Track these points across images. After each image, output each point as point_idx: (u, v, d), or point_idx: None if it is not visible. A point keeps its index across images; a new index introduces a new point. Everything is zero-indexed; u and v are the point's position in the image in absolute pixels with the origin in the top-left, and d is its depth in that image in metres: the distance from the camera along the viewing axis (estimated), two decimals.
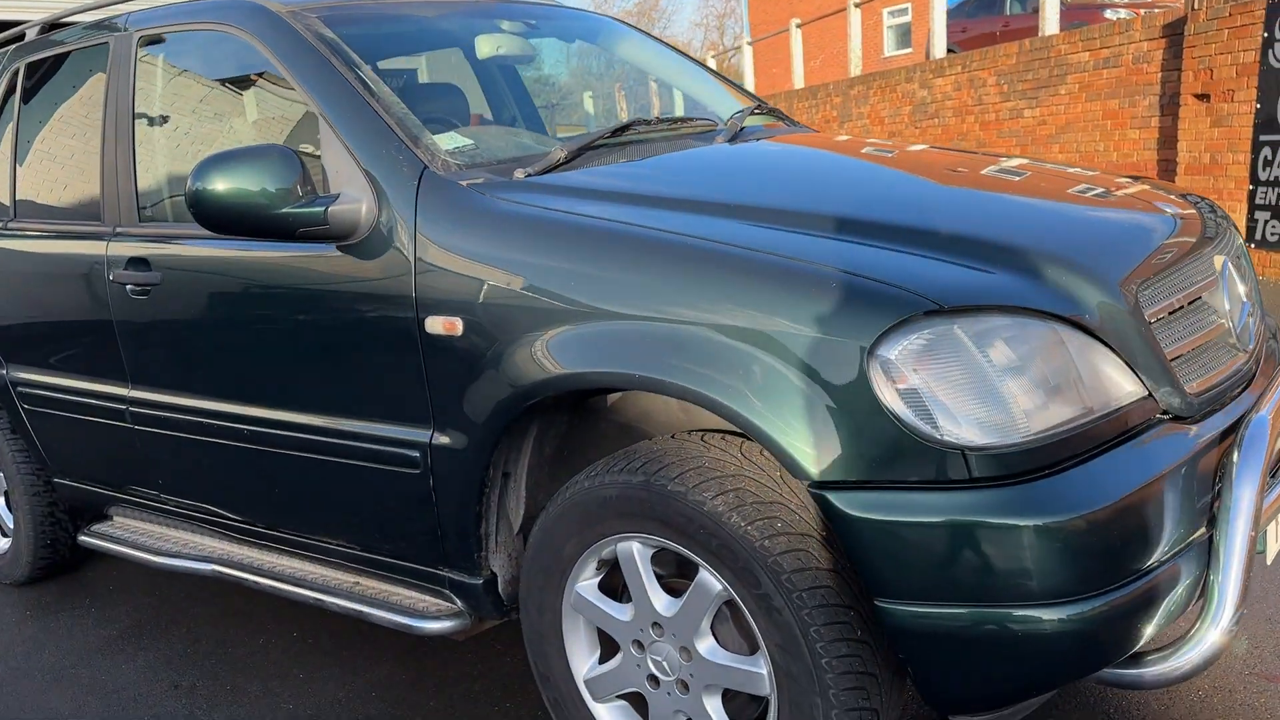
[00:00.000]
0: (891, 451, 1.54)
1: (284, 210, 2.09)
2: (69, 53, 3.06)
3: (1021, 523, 1.48)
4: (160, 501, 2.91)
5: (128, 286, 2.65)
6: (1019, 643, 1.50)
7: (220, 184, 2.07)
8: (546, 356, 1.86)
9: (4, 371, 3.21)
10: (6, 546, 3.58)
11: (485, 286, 1.96)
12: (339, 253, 2.18)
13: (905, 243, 1.72)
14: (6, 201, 3.20)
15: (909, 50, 23.27)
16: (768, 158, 2.40)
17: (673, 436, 1.92)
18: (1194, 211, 2.09)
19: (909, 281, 1.59)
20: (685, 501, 1.73)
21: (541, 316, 1.88)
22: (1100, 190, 2.16)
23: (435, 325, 2.03)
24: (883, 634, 1.66)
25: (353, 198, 2.14)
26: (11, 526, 3.51)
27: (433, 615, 2.35)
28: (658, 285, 1.74)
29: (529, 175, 2.16)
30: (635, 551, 1.85)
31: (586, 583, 1.96)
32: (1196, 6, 7.15)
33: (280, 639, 3.02)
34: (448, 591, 2.30)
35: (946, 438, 1.52)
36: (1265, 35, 6.50)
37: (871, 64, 18.35)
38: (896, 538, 1.53)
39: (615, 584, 1.99)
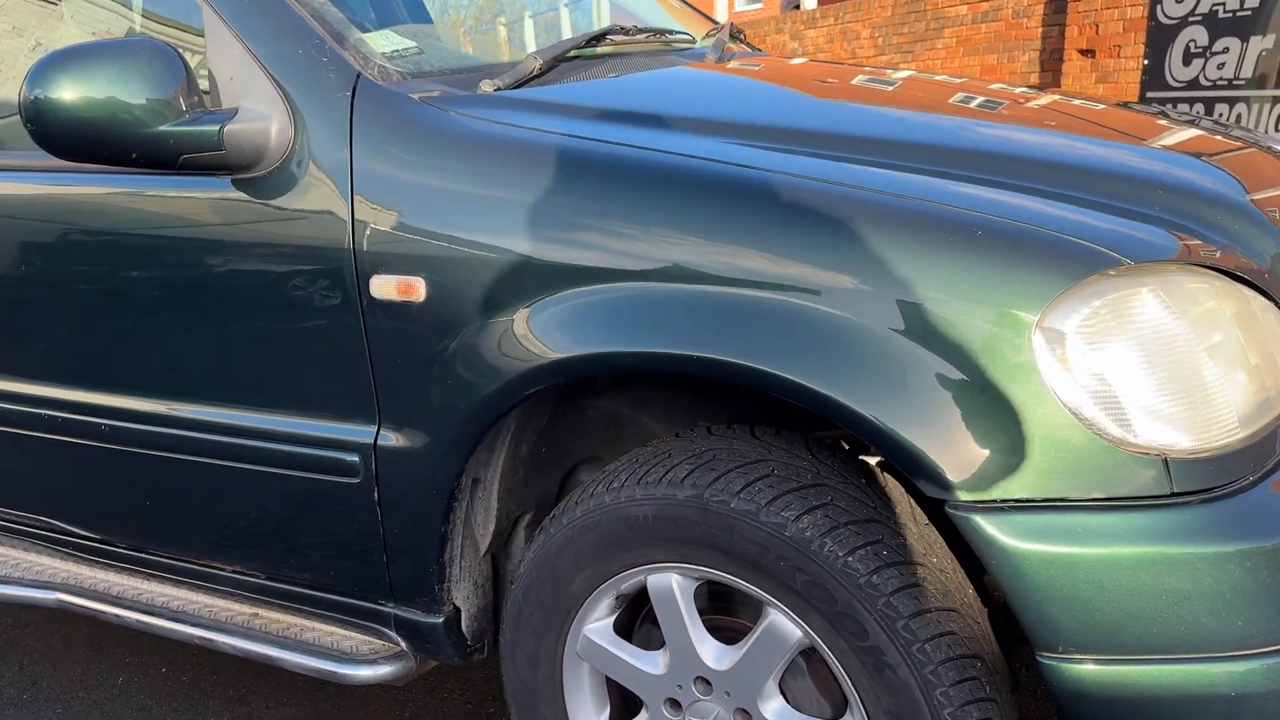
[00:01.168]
0: (1066, 459, 1.14)
1: (161, 129, 1.50)
2: None
3: (1246, 547, 1.11)
4: None
5: None
6: (1237, 707, 1.14)
7: (71, 91, 1.47)
8: (557, 330, 1.37)
9: None
10: None
11: (459, 235, 1.45)
12: (234, 189, 1.61)
13: (1043, 183, 1.31)
14: None
15: (759, 6, 23.05)
16: (797, 80, 1.95)
17: (710, 431, 1.48)
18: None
19: (1080, 232, 1.19)
20: (757, 523, 1.29)
21: (547, 276, 1.39)
22: (1186, 131, 1.82)
23: (384, 288, 1.51)
24: (1015, 690, 1.28)
25: (258, 114, 1.57)
26: None
27: (364, 659, 1.83)
28: (724, 235, 1.28)
29: (499, 89, 1.64)
30: (675, 586, 1.40)
31: (598, 624, 1.51)
32: None
33: (145, 676, 2.43)
34: (388, 630, 1.79)
35: (1140, 439, 1.14)
36: None
37: (730, 17, 18.09)
38: (1073, 574, 1.14)
39: (625, 622, 1.55)
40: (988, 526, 1.16)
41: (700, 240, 1.29)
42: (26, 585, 2.23)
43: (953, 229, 1.19)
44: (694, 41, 2.23)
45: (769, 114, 1.60)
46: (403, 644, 1.79)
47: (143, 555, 2.02)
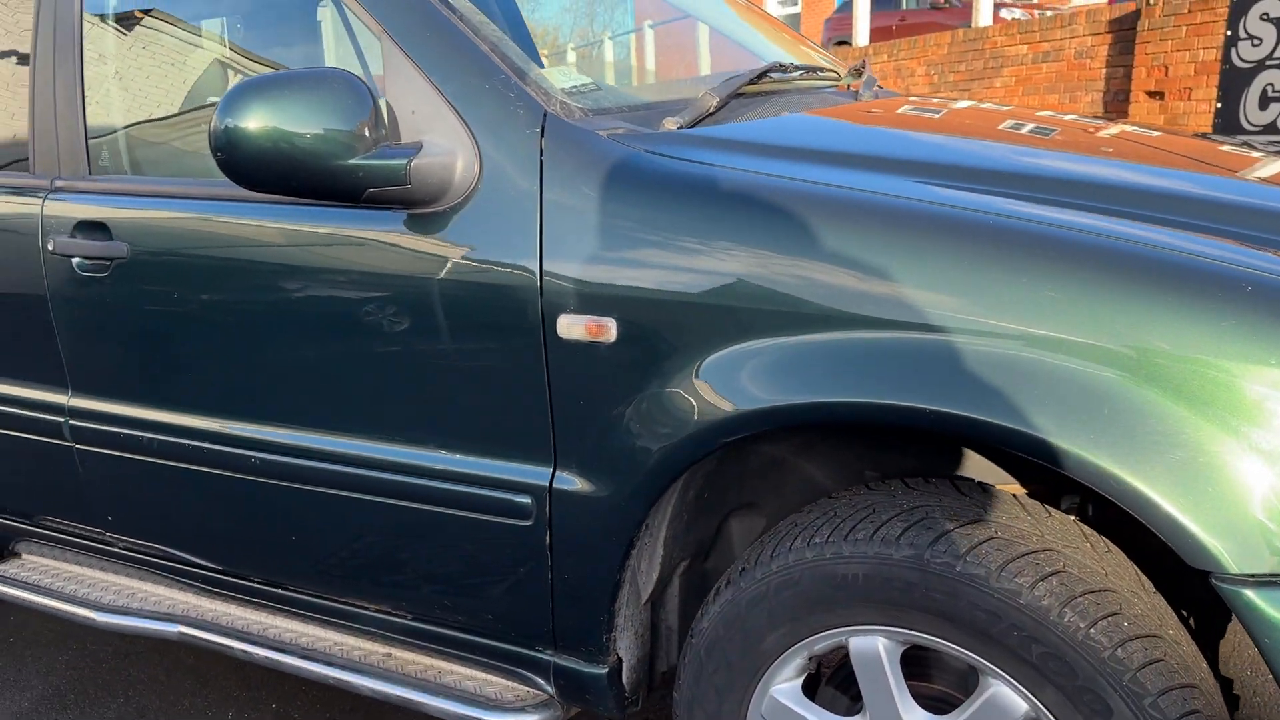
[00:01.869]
0: None
1: (351, 163, 1.48)
2: None
3: None
4: (103, 541, 2.22)
5: (75, 260, 1.96)
6: None
7: (263, 121, 1.44)
8: (769, 377, 1.32)
9: None
10: None
11: (655, 277, 1.41)
12: (408, 225, 1.58)
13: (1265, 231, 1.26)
14: None
15: (796, 9, 22.97)
16: (979, 121, 1.91)
17: (906, 484, 1.42)
18: None
19: None
20: (987, 589, 1.23)
21: (756, 321, 1.34)
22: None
23: (572, 328, 1.47)
24: None
25: (443, 149, 1.55)
26: None
27: (510, 706, 1.78)
28: (959, 283, 1.23)
29: (681, 127, 1.61)
30: (882, 649, 1.34)
31: (787, 685, 1.45)
32: (1151, 2, 7.04)
33: (255, 712, 2.38)
34: (537, 679, 1.74)
35: None
36: (1228, 33, 6.42)
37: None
38: None
39: (810, 679, 1.49)
40: (1261, 601, 1.09)
41: (939, 288, 1.24)
42: (147, 617, 2.20)
43: (1221, 285, 1.14)
44: (840, 79, 2.19)
45: (976, 158, 1.56)
46: (552, 692, 1.74)
47: (278, 590, 1.98)
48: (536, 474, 1.56)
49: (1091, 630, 1.19)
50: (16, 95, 2.16)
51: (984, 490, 1.39)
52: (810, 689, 1.50)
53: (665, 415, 1.41)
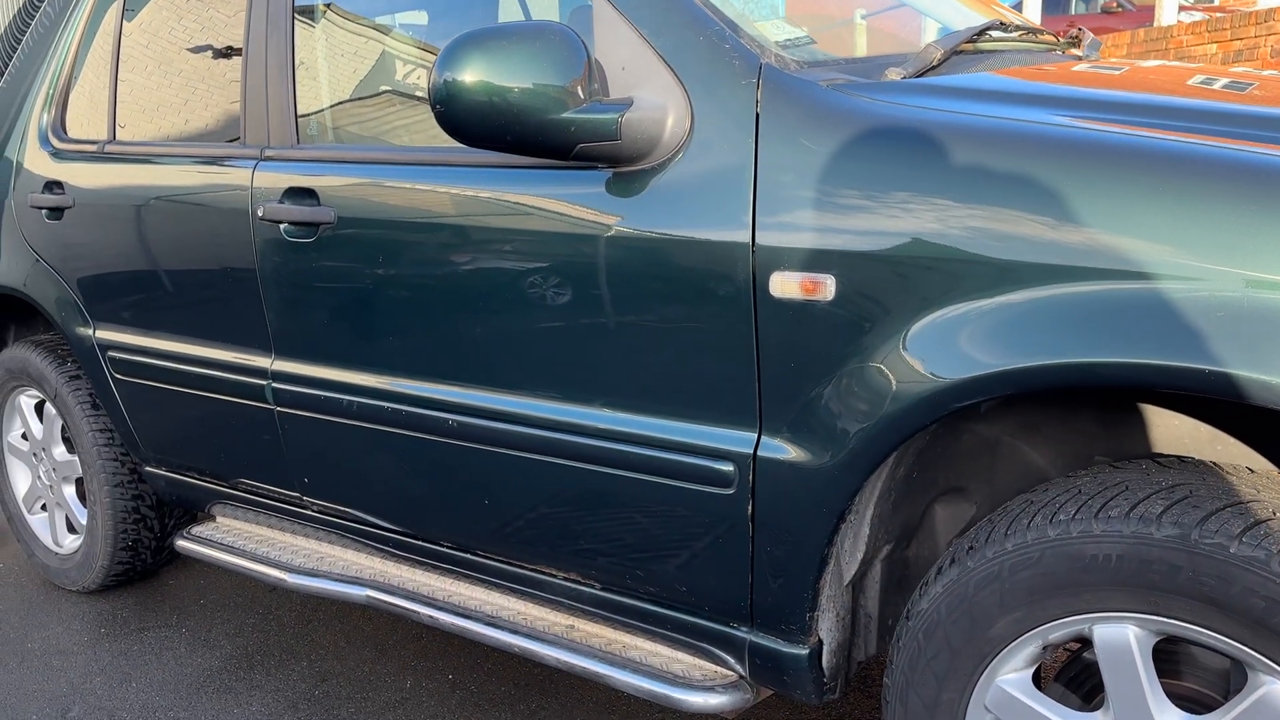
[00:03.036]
0: None
1: (564, 116, 1.45)
2: None
3: None
4: (298, 504, 2.28)
5: (283, 226, 2.02)
6: None
7: (481, 73, 1.43)
8: (1016, 337, 1.22)
9: (91, 331, 2.57)
10: (76, 546, 2.96)
11: (882, 230, 1.33)
12: (614, 183, 1.55)
13: None
14: (102, 123, 2.56)
15: None
16: (1212, 74, 1.75)
17: (1158, 461, 1.29)
18: None
19: None
20: (1268, 574, 1.09)
21: (1000, 274, 1.24)
22: None
23: (786, 285, 1.40)
24: None
25: (654, 104, 1.51)
26: (85, 523, 2.89)
27: (699, 685, 1.72)
28: (1240, 228, 1.10)
29: (906, 77, 1.52)
30: (1133, 640, 1.22)
31: (1016, 675, 1.33)
32: None
33: (432, 682, 2.40)
34: (728, 657, 1.67)
35: None
36: None
37: None
38: None
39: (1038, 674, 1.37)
40: None
41: (1200, 232, 1.12)
42: (336, 580, 2.24)
43: None
44: (1058, 45, 2.05)
45: (1214, 102, 1.41)
46: (743, 672, 1.67)
47: (466, 555, 1.97)
48: (740, 440, 1.49)
49: None
50: (225, 80, 2.25)
51: (1251, 471, 1.25)
52: (1035, 683, 1.38)
53: (886, 381, 1.32)
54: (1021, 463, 1.62)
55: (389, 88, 2.05)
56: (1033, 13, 11.23)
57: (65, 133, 2.65)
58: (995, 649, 1.32)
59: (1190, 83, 1.60)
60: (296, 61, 2.10)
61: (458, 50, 1.45)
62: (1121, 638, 1.22)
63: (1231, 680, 1.22)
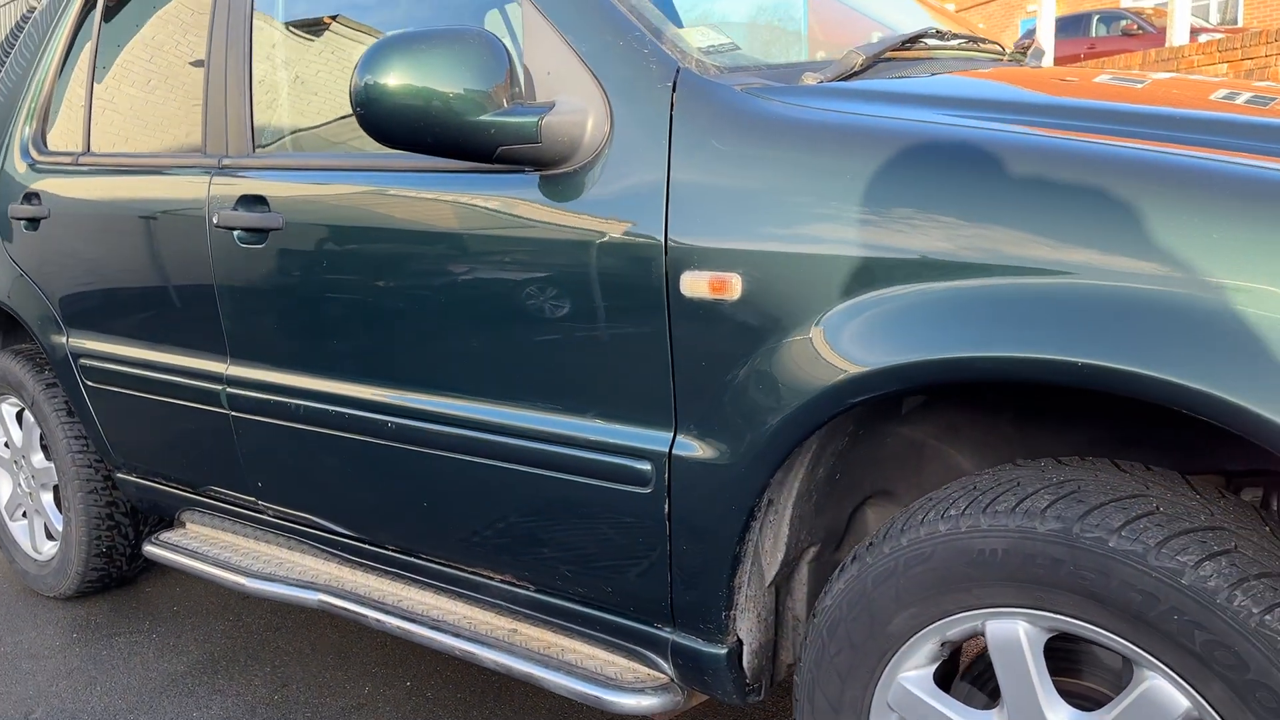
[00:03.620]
0: None
1: (484, 119, 1.48)
2: None
3: None
4: (255, 509, 2.31)
5: (235, 233, 2.06)
6: None
7: (401, 76, 1.47)
8: (906, 331, 1.23)
9: (65, 340, 2.63)
10: (53, 553, 3.00)
11: (783, 230, 1.34)
12: (541, 186, 1.58)
13: None
14: (79, 135, 2.62)
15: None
16: (1134, 80, 1.76)
17: (1058, 460, 1.29)
18: None
19: None
20: (1145, 567, 1.09)
21: (892, 270, 1.25)
22: None
23: (696, 285, 1.42)
24: None
25: (575, 107, 1.53)
26: (60, 529, 2.93)
27: (630, 687, 1.73)
28: (1136, 222, 1.11)
29: (824, 81, 1.54)
30: (1023, 636, 1.22)
31: (916, 673, 1.33)
32: None
33: (390, 689, 2.41)
34: (656, 658, 1.68)
35: None
36: None
37: None
38: None
39: (940, 675, 1.37)
40: None
41: (1104, 226, 1.12)
42: (291, 585, 2.27)
43: None
44: (1004, 54, 2.07)
45: (1129, 104, 1.42)
46: (672, 674, 1.67)
47: (411, 559, 1.99)
48: (657, 439, 1.51)
49: (1267, 618, 1.03)
50: (193, 93, 2.30)
51: (1147, 469, 1.25)
52: (945, 684, 1.38)
53: (787, 376, 1.34)
54: (947, 465, 1.63)
55: (342, 98, 2.09)
56: (1048, 36, 11.24)
57: (45, 145, 2.72)
58: (895, 645, 1.32)
59: (1098, 81, 1.61)
60: (254, 75, 2.15)
61: (379, 53, 1.48)
62: (1012, 634, 1.22)
63: (1123, 677, 1.22)
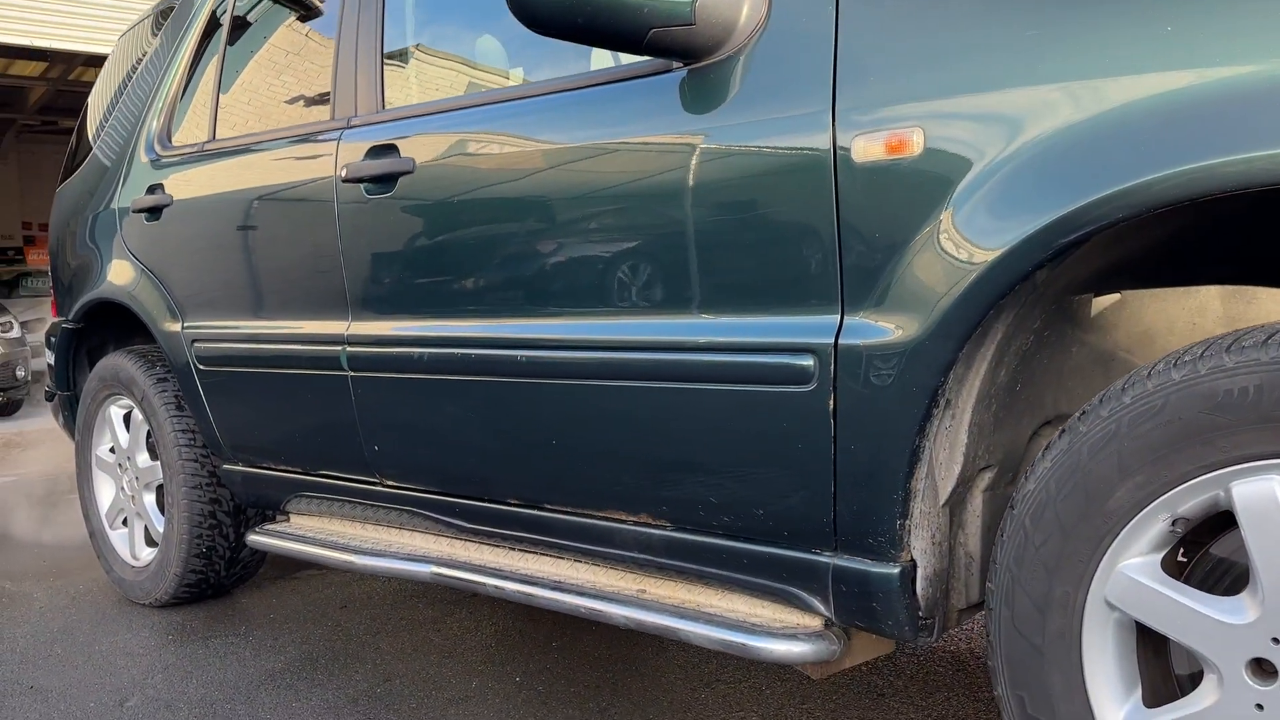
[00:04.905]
0: None
1: None
2: None
3: None
4: (369, 483, 2.21)
5: (363, 185, 2.02)
6: None
7: None
8: (1141, 148, 1.09)
9: (180, 327, 2.61)
10: (151, 558, 2.93)
11: (967, 74, 1.24)
12: (690, 81, 1.51)
13: None
14: (205, 130, 2.66)
15: None
16: None
17: None
18: None
19: None
20: None
21: (1080, 101, 1.13)
22: None
23: (870, 147, 1.31)
24: None
25: None
26: (162, 530, 2.87)
27: (779, 632, 1.56)
28: None
29: None
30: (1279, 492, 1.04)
31: (1142, 560, 1.15)
32: None
33: (498, 683, 2.25)
34: (810, 599, 1.52)
35: None
36: None
37: None
38: None
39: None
40: None
41: None
42: (403, 559, 2.16)
43: None
44: None
45: None
46: (831, 614, 1.50)
47: (535, 513, 1.87)
48: (820, 328, 1.38)
49: None
50: (317, 79, 2.32)
51: None
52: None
53: (974, 235, 1.21)
54: None
55: (466, 68, 2.08)
56: None
57: (170, 141, 2.76)
58: (1115, 527, 1.15)
59: None
60: (386, 39, 2.15)
61: None
62: (1266, 493, 1.05)
63: None
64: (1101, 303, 1.45)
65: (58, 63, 10.47)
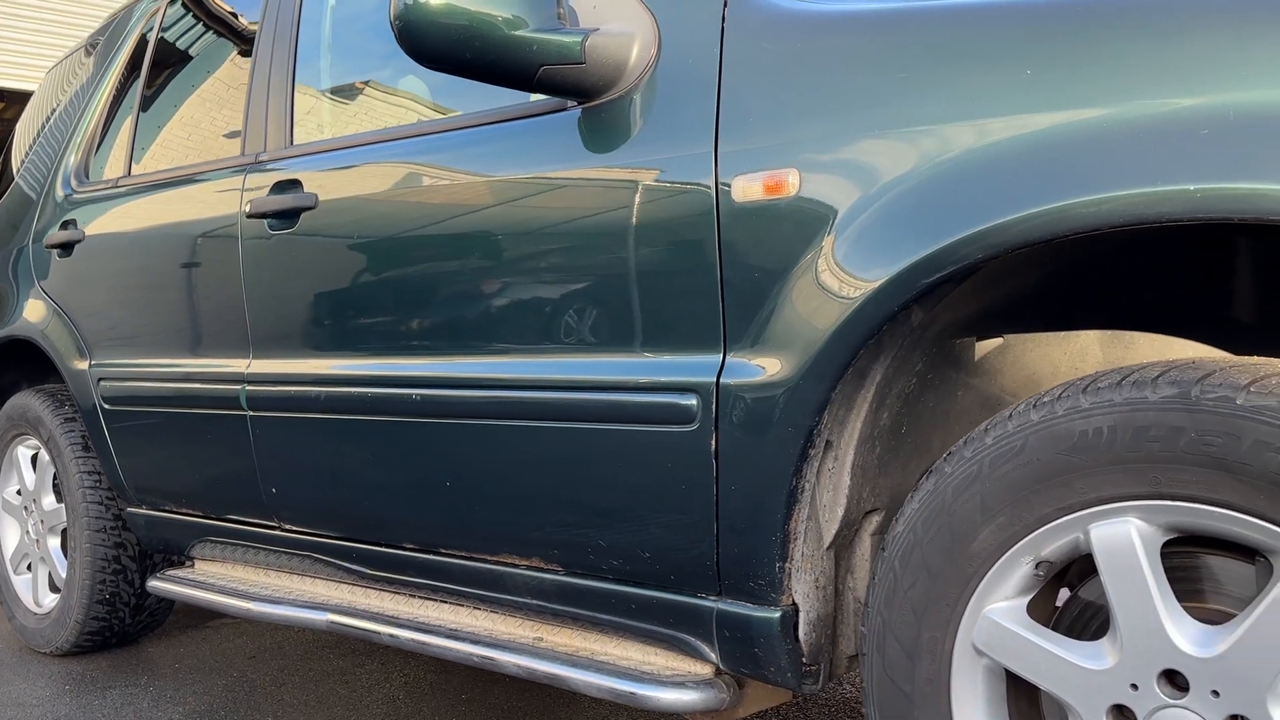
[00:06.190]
0: None
1: (524, 34, 1.42)
2: None
3: None
4: (269, 527, 2.16)
5: (267, 220, 2.00)
6: None
7: None
8: (1001, 188, 1.10)
9: (87, 364, 2.55)
10: (53, 605, 2.83)
11: (840, 117, 1.25)
12: (581, 120, 1.51)
13: None
14: (123, 165, 2.62)
15: None
16: None
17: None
18: None
19: None
20: None
21: (942, 144, 1.14)
22: None
23: (750, 188, 1.31)
24: None
25: (621, 30, 1.48)
26: (65, 576, 2.77)
27: (669, 681, 1.52)
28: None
29: None
30: (1135, 537, 1.04)
31: (1007, 604, 1.14)
32: None
33: None
34: (699, 644, 1.49)
35: None
36: None
37: None
38: None
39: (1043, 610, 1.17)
40: None
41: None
42: (299, 606, 2.10)
43: None
44: None
45: None
46: (718, 660, 1.47)
47: (431, 557, 1.82)
48: (704, 367, 1.37)
49: None
50: (232, 115, 2.30)
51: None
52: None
53: (845, 274, 1.21)
54: None
55: (381, 106, 2.07)
56: None
57: (87, 176, 2.72)
58: (981, 569, 1.14)
59: None
60: (297, 76, 2.14)
61: None
62: (1123, 537, 1.04)
63: (1258, 586, 1.03)
64: (984, 346, 1.45)
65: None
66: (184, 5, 2.63)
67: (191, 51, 2.57)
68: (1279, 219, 0.93)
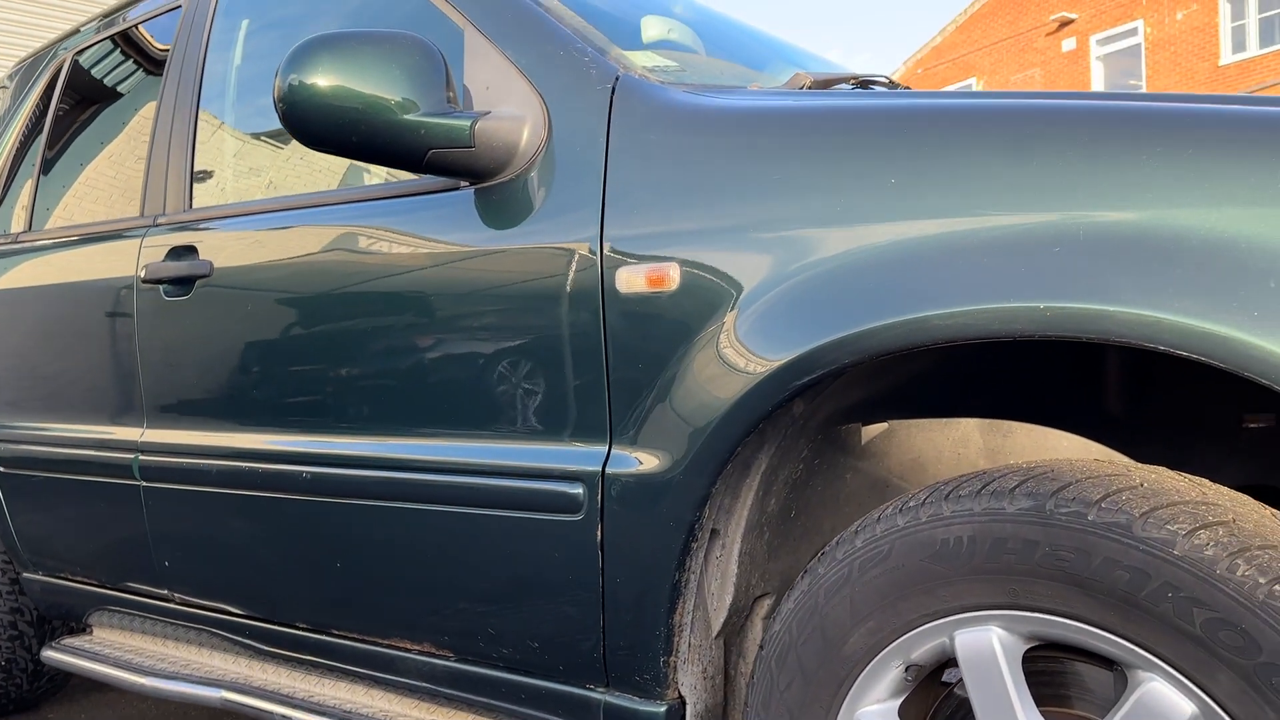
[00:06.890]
0: None
1: (412, 118, 1.41)
2: (127, 35, 2.49)
3: None
4: (163, 599, 2.10)
5: (162, 287, 1.95)
6: None
7: (329, 76, 1.40)
8: (865, 295, 1.11)
9: None
10: None
11: (720, 213, 1.25)
12: (473, 199, 1.50)
13: None
14: (23, 215, 2.55)
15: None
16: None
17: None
18: None
19: None
20: (1130, 539, 0.94)
21: (815, 244, 1.16)
22: None
23: (634, 279, 1.31)
24: None
25: (511, 114, 1.47)
26: None
27: None
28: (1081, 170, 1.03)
29: (762, 89, 1.49)
30: (997, 645, 1.04)
31: (878, 707, 1.14)
32: None
33: None
34: None
35: None
36: None
37: None
38: None
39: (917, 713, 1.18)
40: None
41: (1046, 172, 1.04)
42: (194, 683, 2.03)
43: None
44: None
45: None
46: None
47: (324, 638, 1.78)
48: (590, 457, 1.36)
49: (1277, 588, 0.88)
50: (136, 170, 2.25)
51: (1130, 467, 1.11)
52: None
53: (725, 368, 1.21)
54: None
55: (281, 168, 2.04)
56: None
57: None
58: (853, 672, 1.14)
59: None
60: (198, 133, 2.10)
61: (305, 52, 1.42)
62: (985, 645, 1.05)
63: (1116, 693, 1.04)
64: (870, 431, 1.46)
65: None
66: (94, 55, 2.58)
67: (100, 102, 2.51)
68: (1124, 342, 0.95)
